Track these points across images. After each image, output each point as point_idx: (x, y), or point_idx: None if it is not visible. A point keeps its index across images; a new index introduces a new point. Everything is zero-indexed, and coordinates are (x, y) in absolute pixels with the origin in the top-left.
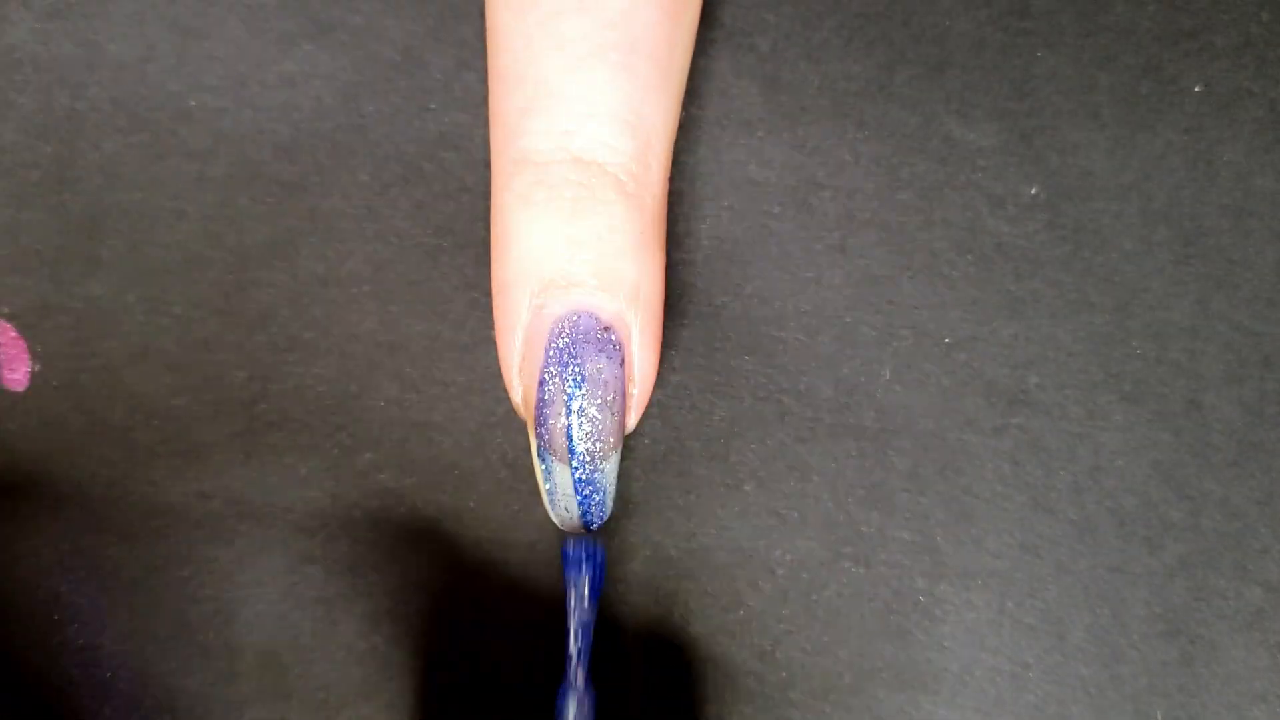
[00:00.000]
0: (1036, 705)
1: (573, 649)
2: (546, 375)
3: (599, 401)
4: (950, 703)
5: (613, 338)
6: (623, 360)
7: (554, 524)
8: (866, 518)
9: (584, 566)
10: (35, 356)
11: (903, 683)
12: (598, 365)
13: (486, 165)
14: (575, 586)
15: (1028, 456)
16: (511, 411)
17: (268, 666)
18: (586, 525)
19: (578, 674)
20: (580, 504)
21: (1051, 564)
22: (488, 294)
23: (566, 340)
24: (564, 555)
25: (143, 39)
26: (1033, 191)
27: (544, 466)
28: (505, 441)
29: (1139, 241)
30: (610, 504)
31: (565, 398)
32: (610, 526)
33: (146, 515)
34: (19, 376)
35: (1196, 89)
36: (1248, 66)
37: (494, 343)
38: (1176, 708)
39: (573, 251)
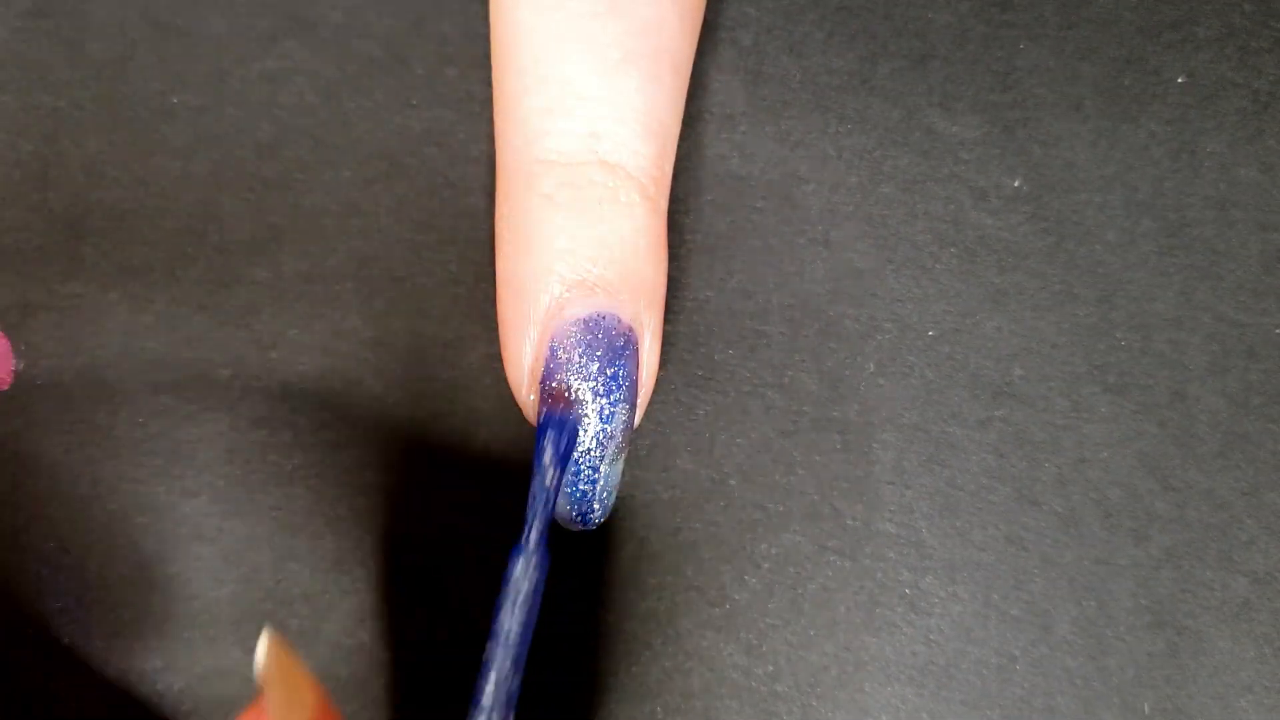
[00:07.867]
0: (1023, 698)
1: (530, 512)
2: (567, 376)
3: (617, 403)
4: (936, 695)
5: (634, 339)
6: (638, 362)
7: None
8: (851, 511)
9: (553, 431)
10: (18, 355)
11: (889, 676)
12: (619, 368)
13: (470, 161)
14: (542, 451)
15: (1012, 449)
16: (496, 408)
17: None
18: (586, 524)
19: (531, 536)
20: (582, 504)
21: (1037, 556)
22: (471, 289)
23: (591, 342)
24: (538, 423)
25: (124, 37)
26: (1016, 184)
27: (550, 466)
28: (490, 437)
29: (1122, 233)
30: (611, 504)
31: (586, 400)
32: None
33: (131, 513)
34: (2, 375)
35: (1179, 80)
36: (1230, 57)
37: (478, 338)
38: (1163, 699)
39: (598, 252)
